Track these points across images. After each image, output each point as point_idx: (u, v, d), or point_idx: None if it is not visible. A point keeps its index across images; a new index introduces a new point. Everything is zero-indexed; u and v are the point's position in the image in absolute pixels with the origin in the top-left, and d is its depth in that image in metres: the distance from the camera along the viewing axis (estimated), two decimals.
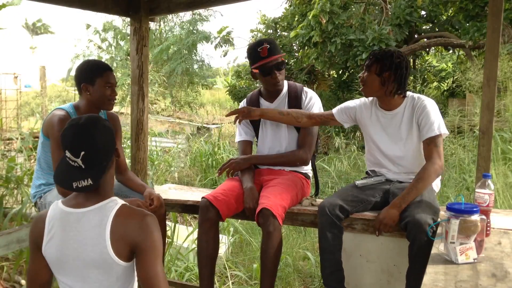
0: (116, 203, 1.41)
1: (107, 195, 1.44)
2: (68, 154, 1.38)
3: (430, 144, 2.09)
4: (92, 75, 2.23)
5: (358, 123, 2.37)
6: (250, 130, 2.57)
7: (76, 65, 2.53)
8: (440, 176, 2.28)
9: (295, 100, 2.45)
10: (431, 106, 2.14)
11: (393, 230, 2.02)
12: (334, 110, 2.42)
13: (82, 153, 1.36)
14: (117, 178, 2.42)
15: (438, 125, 2.10)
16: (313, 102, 2.46)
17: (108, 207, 1.39)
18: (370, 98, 2.32)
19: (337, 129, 8.18)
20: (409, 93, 2.22)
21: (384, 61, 2.14)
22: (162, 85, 15.38)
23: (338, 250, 2.05)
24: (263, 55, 2.33)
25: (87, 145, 1.38)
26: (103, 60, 15.62)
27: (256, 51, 2.36)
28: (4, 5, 4.56)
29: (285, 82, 2.50)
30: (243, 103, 2.61)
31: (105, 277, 1.39)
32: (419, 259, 1.80)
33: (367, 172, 2.40)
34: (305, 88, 2.50)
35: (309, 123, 2.41)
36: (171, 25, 16.56)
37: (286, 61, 9.81)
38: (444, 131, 2.12)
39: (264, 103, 2.51)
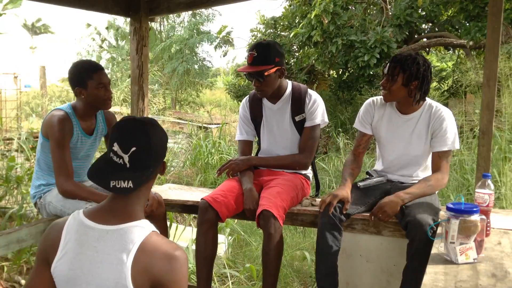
0: (145, 227, 1.20)
1: (137, 215, 1.23)
2: (115, 147, 1.21)
3: (442, 158, 2.09)
4: (83, 78, 2.20)
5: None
6: (251, 129, 2.55)
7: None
8: None
9: (298, 102, 2.39)
10: (449, 119, 2.11)
11: (388, 219, 1.99)
12: (358, 126, 2.34)
13: (133, 149, 1.20)
14: None
15: (453, 140, 2.09)
16: (316, 105, 2.39)
17: (136, 230, 1.18)
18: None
19: (338, 129, 8.16)
20: (426, 99, 2.18)
21: (411, 70, 2.05)
22: (163, 85, 15.38)
23: (335, 252, 2.03)
24: (248, 62, 2.29)
25: (141, 141, 1.22)
26: (103, 59, 15.66)
27: (248, 54, 2.32)
28: (6, 6, 4.53)
29: (289, 83, 2.45)
30: (245, 102, 2.56)
31: None
32: (417, 257, 1.81)
33: (367, 173, 2.40)
34: (310, 91, 2.43)
35: (361, 157, 2.36)
36: (172, 24, 16.54)
37: (286, 60, 9.77)
38: (457, 147, 2.11)
39: (267, 104, 2.47)
